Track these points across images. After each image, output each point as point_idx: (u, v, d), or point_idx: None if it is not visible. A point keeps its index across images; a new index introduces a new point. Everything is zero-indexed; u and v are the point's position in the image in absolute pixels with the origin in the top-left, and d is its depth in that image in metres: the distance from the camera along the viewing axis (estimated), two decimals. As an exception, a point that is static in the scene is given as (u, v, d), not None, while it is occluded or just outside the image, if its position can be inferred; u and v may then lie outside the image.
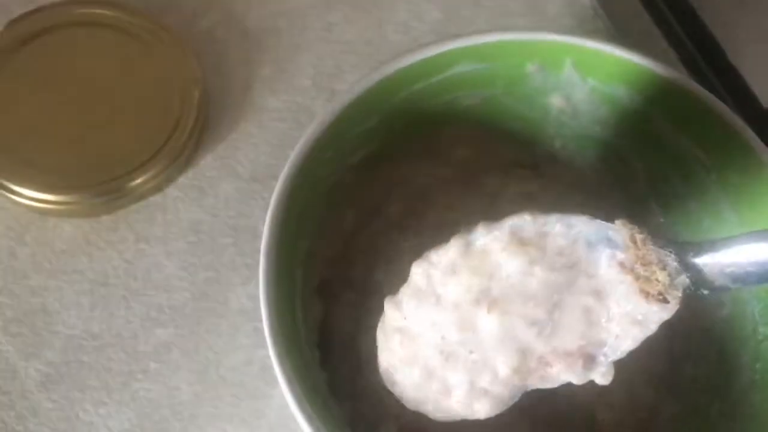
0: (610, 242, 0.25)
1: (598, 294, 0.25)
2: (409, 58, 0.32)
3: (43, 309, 0.38)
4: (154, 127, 0.41)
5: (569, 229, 0.25)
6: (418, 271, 0.26)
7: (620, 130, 0.35)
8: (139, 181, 0.40)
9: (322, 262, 0.33)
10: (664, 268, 0.24)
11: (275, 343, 0.27)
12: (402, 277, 0.32)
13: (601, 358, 0.25)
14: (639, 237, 0.25)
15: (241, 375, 0.37)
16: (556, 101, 0.35)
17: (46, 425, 0.36)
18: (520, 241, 0.25)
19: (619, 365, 0.35)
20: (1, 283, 0.39)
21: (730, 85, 0.42)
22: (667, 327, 0.36)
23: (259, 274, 0.28)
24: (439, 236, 0.27)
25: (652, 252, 0.25)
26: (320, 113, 0.31)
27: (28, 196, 0.39)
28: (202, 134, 0.42)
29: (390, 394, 0.31)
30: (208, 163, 0.42)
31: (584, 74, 0.33)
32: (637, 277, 0.24)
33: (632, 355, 0.35)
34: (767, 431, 0.30)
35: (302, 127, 0.43)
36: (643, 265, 0.24)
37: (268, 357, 0.38)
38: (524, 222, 0.25)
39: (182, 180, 0.41)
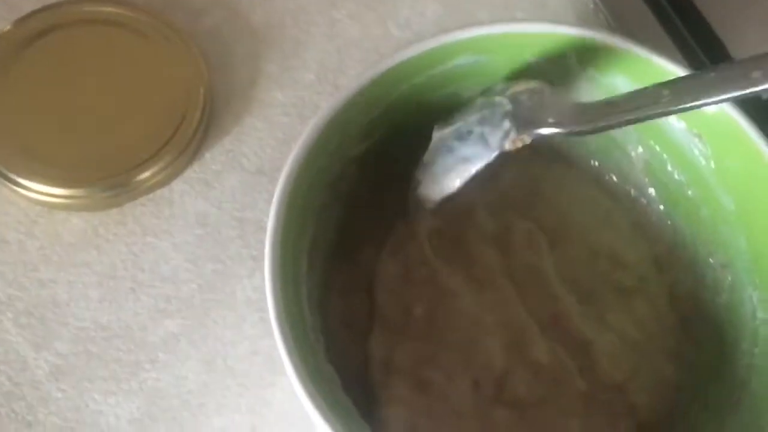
0: None
1: None
2: (410, 51, 0.32)
3: (52, 301, 0.39)
4: (161, 122, 0.41)
5: None
6: None
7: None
8: (146, 174, 0.40)
9: (327, 252, 0.33)
10: None
11: (280, 326, 0.27)
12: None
13: None
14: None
15: (247, 365, 0.38)
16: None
17: (56, 415, 0.37)
18: None
19: (641, 349, 0.35)
20: (11, 275, 0.39)
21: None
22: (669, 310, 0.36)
23: (265, 260, 0.28)
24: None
25: None
26: (324, 105, 0.31)
27: (37, 189, 0.39)
28: (207, 128, 0.43)
29: (391, 378, 0.31)
30: (214, 156, 0.43)
31: (584, 65, 0.34)
32: None
33: (650, 335, 0.35)
34: (766, 418, 0.30)
35: (306, 121, 0.43)
36: None
37: (274, 347, 0.38)
38: None
39: (188, 173, 0.42)
